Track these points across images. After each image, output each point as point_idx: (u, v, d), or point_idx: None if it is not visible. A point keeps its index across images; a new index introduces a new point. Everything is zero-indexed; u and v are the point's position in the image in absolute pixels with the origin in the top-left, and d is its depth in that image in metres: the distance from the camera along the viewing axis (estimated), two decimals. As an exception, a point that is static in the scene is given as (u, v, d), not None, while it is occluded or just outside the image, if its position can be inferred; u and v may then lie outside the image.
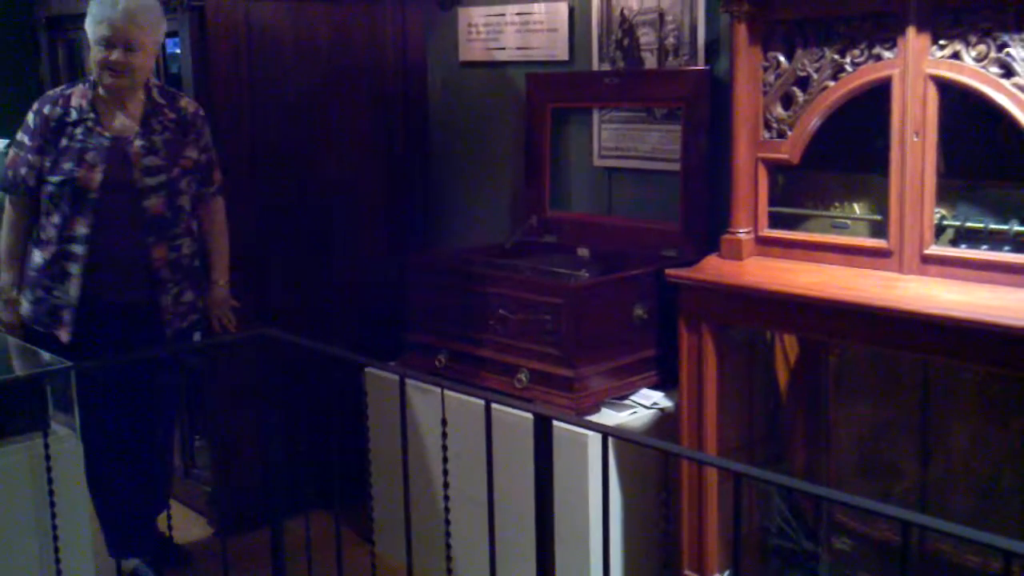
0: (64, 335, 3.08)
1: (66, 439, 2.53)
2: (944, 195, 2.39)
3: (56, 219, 3.08)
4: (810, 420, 2.84)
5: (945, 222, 2.41)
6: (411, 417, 2.37)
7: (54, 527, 2.36)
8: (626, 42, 3.48)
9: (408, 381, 2.39)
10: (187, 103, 3.27)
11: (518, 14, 3.80)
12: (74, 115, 3.10)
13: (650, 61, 3.41)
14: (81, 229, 3.06)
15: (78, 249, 3.06)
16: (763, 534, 2.83)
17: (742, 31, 2.64)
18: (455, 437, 2.31)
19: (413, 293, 3.34)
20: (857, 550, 2.70)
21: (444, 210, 4.17)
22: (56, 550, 2.37)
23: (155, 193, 3.10)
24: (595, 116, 3.62)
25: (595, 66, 3.57)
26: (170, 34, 3.62)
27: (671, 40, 3.36)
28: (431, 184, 4.14)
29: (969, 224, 2.38)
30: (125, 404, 3.23)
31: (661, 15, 3.37)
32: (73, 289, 3.07)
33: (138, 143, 3.10)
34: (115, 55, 3.03)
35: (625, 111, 3.53)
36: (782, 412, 2.88)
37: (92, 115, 3.10)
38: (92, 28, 3.07)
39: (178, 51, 3.64)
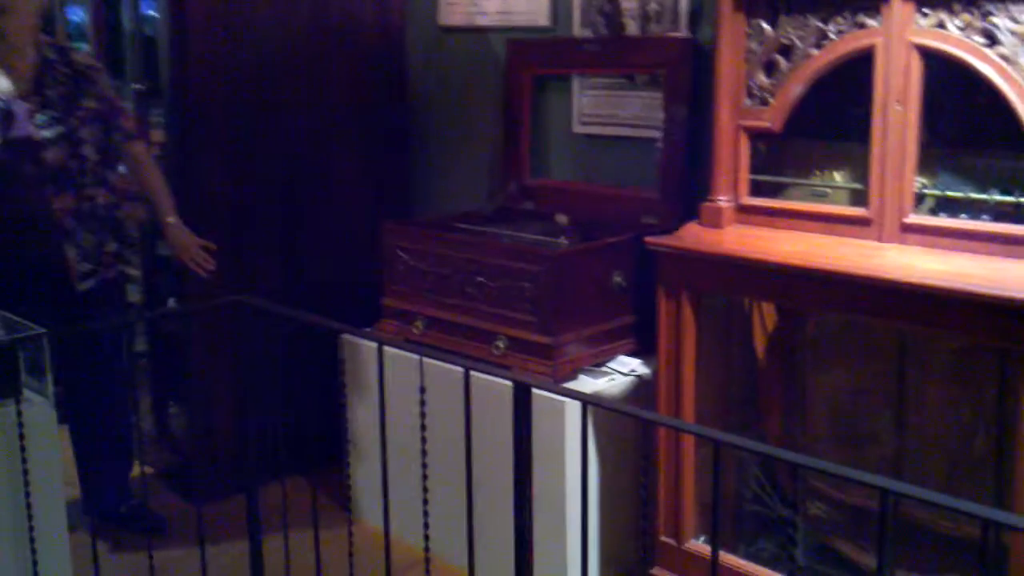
0: None
1: (39, 406, 2.50)
2: (925, 164, 2.39)
3: None
4: (787, 387, 2.85)
5: (926, 191, 2.41)
6: (388, 384, 2.35)
7: (27, 494, 2.33)
8: (608, 8, 3.45)
9: (386, 348, 2.37)
10: (80, 56, 3.34)
11: (498, -22, 3.76)
12: None
13: (632, 28, 3.38)
14: None
15: None
16: (738, 500, 2.85)
17: (731, -5, 2.61)
18: (432, 404, 2.30)
19: (390, 259, 3.32)
20: (832, 516, 2.72)
21: (422, 175, 4.14)
22: (29, 517, 2.34)
23: (54, 145, 3.16)
24: (576, 83, 3.59)
25: (576, 32, 3.54)
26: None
27: (653, 6, 3.33)
28: (409, 149, 4.11)
29: (949, 193, 2.38)
30: (70, 363, 3.33)
31: (643, -19, 3.34)
32: None
33: (33, 99, 3.17)
34: (6, 20, 3.09)
35: (606, 78, 3.50)
36: (759, 379, 2.89)
37: None
38: None
39: (153, 13, 3.58)
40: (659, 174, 3.26)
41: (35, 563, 2.35)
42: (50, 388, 2.54)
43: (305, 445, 2.68)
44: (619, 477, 2.94)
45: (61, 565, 2.51)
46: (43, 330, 2.52)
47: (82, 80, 3.27)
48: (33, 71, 3.20)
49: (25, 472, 2.33)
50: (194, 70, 3.50)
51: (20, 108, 3.15)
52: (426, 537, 2.32)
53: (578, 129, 3.61)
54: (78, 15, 4.09)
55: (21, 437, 2.34)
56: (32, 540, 2.35)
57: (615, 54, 3.40)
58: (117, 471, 3.52)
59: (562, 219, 3.41)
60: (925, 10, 2.32)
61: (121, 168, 3.46)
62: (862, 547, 2.67)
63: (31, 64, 3.20)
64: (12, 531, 2.39)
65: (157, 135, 3.70)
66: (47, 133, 3.17)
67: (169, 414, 3.86)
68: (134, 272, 3.85)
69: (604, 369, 3.01)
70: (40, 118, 3.17)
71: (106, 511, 3.41)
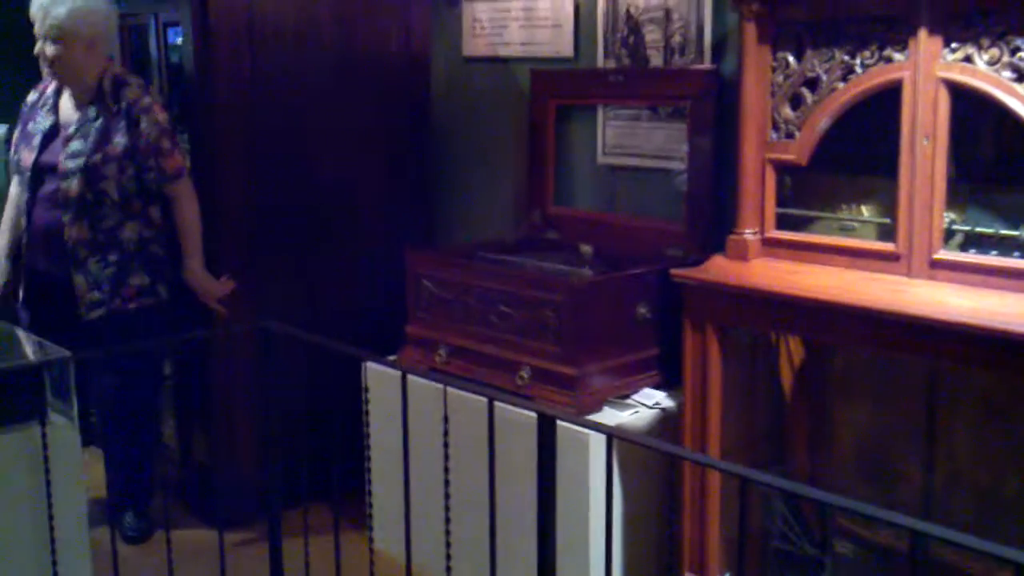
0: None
1: (64, 428, 2.51)
2: (954, 199, 2.38)
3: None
4: (813, 422, 2.83)
5: (954, 227, 2.39)
6: (411, 412, 2.35)
7: (51, 517, 2.34)
8: (631, 39, 3.46)
9: (409, 376, 2.37)
10: (133, 93, 3.36)
11: (523, 9, 3.78)
12: (40, 100, 3.39)
13: (656, 59, 3.40)
14: (24, 206, 3.36)
15: (22, 222, 3.38)
16: (764, 537, 2.82)
17: (751, 30, 2.62)
18: (455, 433, 2.29)
19: (414, 287, 3.32)
20: (859, 555, 2.69)
21: (446, 205, 4.15)
22: (52, 540, 2.35)
23: (73, 176, 3.26)
24: (599, 113, 3.60)
25: (600, 63, 3.55)
26: (172, 24, 3.62)
27: (677, 38, 3.34)
28: (433, 179, 4.12)
29: (979, 229, 2.37)
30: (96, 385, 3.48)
31: (668, 12, 3.35)
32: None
33: (72, 129, 3.30)
34: (43, 47, 3.25)
35: (630, 109, 3.51)
36: (785, 413, 2.87)
37: (51, 100, 3.36)
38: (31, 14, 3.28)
39: (179, 41, 3.62)
40: (684, 206, 3.26)
41: (58, 588, 2.35)
42: (75, 410, 2.55)
43: (327, 471, 2.67)
44: (643, 511, 2.92)
45: (84, 589, 2.52)
46: (68, 353, 2.54)
47: (124, 116, 3.31)
48: (85, 100, 3.32)
49: (49, 495, 2.34)
50: (219, 98, 3.52)
51: (65, 134, 3.30)
52: (448, 568, 2.30)
53: (601, 160, 3.62)
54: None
55: (46, 459, 2.35)
56: (54, 563, 2.35)
57: (639, 85, 3.41)
58: (135, 494, 3.58)
59: (586, 249, 3.41)
60: (953, 44, 2.31)
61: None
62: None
63: (85, 93, 3.32)
64: (36, 551, 2.40)
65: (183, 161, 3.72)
66: (70, 164, 3.26)
67: (193, 439, 3.86)
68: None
69: (628, 401, 3.00)
70: (71, 147, 3.28)
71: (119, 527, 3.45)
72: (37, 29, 3.23)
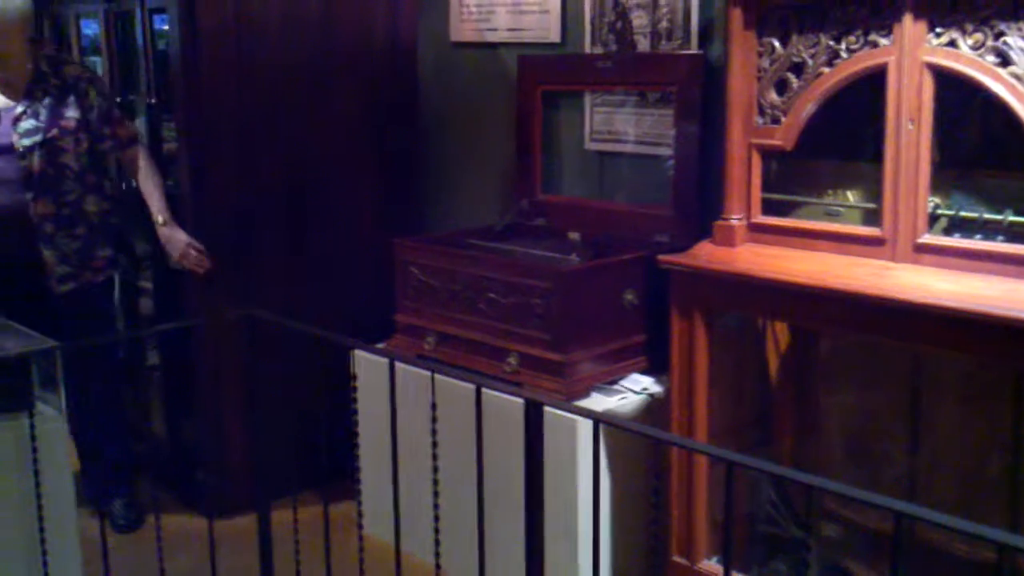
0: None
1: (51, 418, 2.51)
2: (938, 184, 2.39)
3: None
4: (799, 406, 2.85)
5: (939, 211, 2.40)
6: (399, 399, 2.35)
7: (39, 507, 2.34)
8: (619, 25, 3.46)
9: (397, 364, 2.37)
10: (73, 68, 3.51)
11: (510, -6, 3.77)
12: None
13: (643, 44, 3.39)
14: None
15: None
16: (752, 520, 2.84)
17: (737, 15, 2.63)
18: (444, 420, 2.30)
19: (402, 275, 3.32)
20: (846, 537, 2.71)
21: (433, 192, 4.14)
22: (41, 530, 2.35)
23: (31, 153, 3.34)
24: (587, 99, 3.60)
25: (587, 49, 3.55)
26: (158, 10, 3.60)
27: (664, 24, 3.33)
28: (421, 165, 4.12)
29: (963, 213, 2.38)
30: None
31: (655, -2, 3.35)
32: None
33: (19, 110, 3.36)
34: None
35: (617, 95, 3.51)
36: (771, 398, 2.88)
37: None
38: None
39: (166, 27, 3.60)
40: (671, 192, 3.26)
41: (46, 574, 2.36)
42: (62, 401, 2.56)
43: (316, 459, 2.68)
44: (631, 495, 2.94)
45: (73, 574, 2.52)
46: (56, 343, 2.54)
47: (71, 91, 3.43)
48: (24, 82, 3.39)
49: (37, 485, 2.34)
50: (205, 84, 3.51)
51: (11, 116, 3.35)
52: (437, 553, 2.31)
53: (590, 146, 3.61)
54: (92, 28, 4.11)
55: (34, 450, 2.35)
56: (44, 552, 2.36)
57: (626, 71, 3.41)
58: (120, 481, 3.64)
59: (574, 236, 3.41)
60: (938, 29, 2.32)
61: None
62: (876, 569, 2.66)
63: (23, 76, 3.39)
64: (25, 541, 2.40)
65: (169, 148, 3.72)
66: (26, 141, 3.35)
67: (181, 428, 3.86)
68: (146, 284, 3.89)
69: (616, 387, 3.01)
70: (22, 126, 3.35)
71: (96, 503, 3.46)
72: None
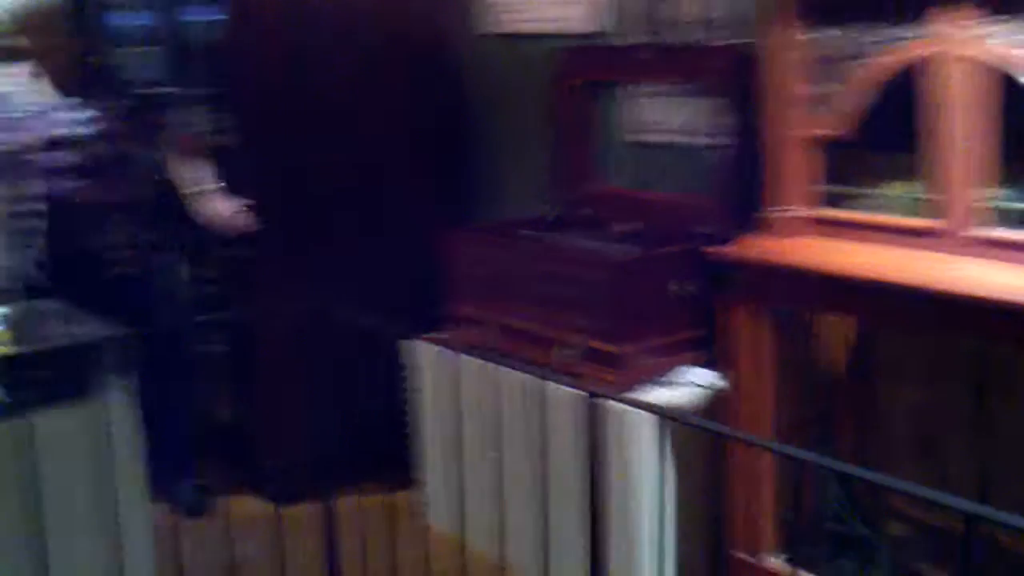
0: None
1: (123, 406, 2.55)
2: (997, 176, 2.36)
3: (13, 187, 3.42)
4: (862, 402, 2.80)
5: (998, 203, 2.38)
6: (457, 391, 2.39)
7: (113, 492, 2.39)
8: (660, 15, 3.45)
9: (452, 355, 2.39)
10: (112, 59, 3.75)
11: (552, -15, 3.77)
12: (13, 88, 3.42)
13: (685, 34, 3.37)
14: (36, 191, 3.40)
15: (40, 207, 3.42)
16: (818, 517, 2.81)
17: (785, 4, 2.58)
18: (502, 411, 2.32)
19: (456, 266, 3.33)
20: (913, 536, 2.67)
21: (476, 183, 4.15)
22: (115, 515, 2.40)
23: (96, 141, 3.40)
24: (628, 89, 3.58)
25: (630, 39, 3.52)
26: (208, 1, 3.64)
27: (707, 14, 3.32)
28: (464, 157, 4.12)
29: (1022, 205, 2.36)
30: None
31: (698, -13, 3.33)
32: (40, 242, 3.44)
33: (71, 101, 3.40)
34: (37, 41, 3.36)
35: (661, 85, 3.50)
36: (834, 394, 2.85)
37: (32, 87, 3.40)
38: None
39: (215, 18, 3.64)
40: (716, 183, 3.25)
41: (122, 561, 2.41)
42: (133, 388, 2.60)
43: (379, 448, 2.72)
44: (691, 490, 2.89)
45: (146, 561, 2.57)
46: (128, 330, 2.58)
47: (113, 82, 3.58)
48: (70, 75, 3.46)
49: (111, 471, 2.40)
50: (252, 78, 3.55)
51: (58, 111, 3.42)
52: (502, 547, 2.34)
53: (630, 137, 3.60)
54: (143, 20, 4.14)
55: (107, 435, 2.40)
56: (118, 538, 2.41)
57: (669, 61, 3.36)
58: (186, 464, 3.72)
59: (620, 227, 3.41)
60: (1000, 17, 2.28)
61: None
62: (945, 569, 2.63)
63: (69, 69, 3.46)
64: (98, 527, 2.45)
65: (219, 140, 3.76)
66: (87, 131, 3.43)
67: (248, 416, 3.91)
68: (211, 272, 3.95)
69: (671, 380, 3.01)
70: (81, 117, 3.42)
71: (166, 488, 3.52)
72: (20, 26, 3.35)
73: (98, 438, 2.42)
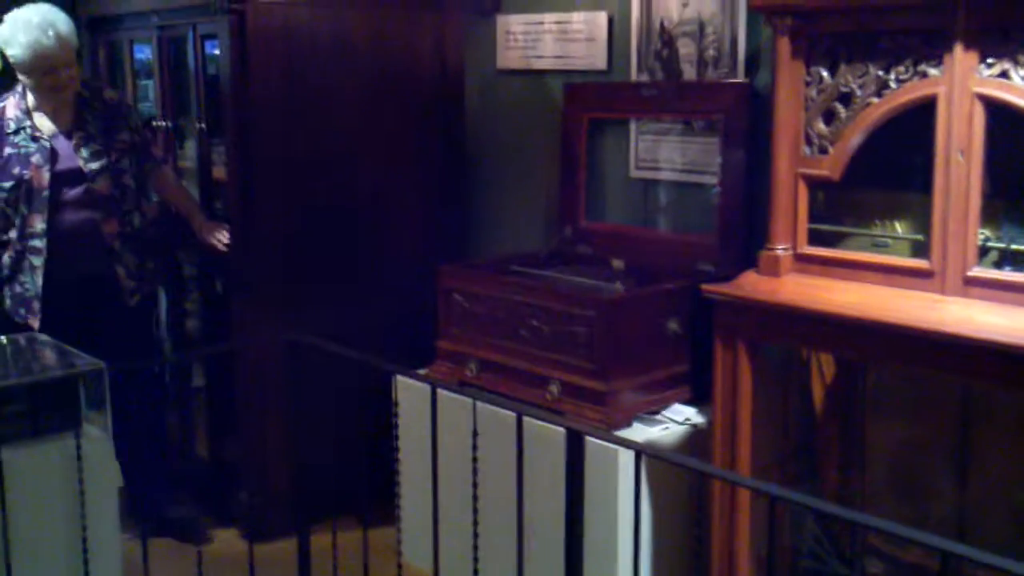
0: (35, 323, 3.45)
1: (98, 439, 2.53)
2: (988, 216, 2.35)
3: (16, 220, 3.45)
4: (845, 439, 2.80)
5: (989, 243, 2.36)
6: (440, 426, 2.35)
7: (84, 527, 2.36)
8: (665, 53, 3.46)
9: (439, 390, 2.37)
10: (110, 93, 3.70)
11: (556, 22, 3.79)
12: (12, 125, 3.46)
13: (689, 72, 3.39)
14: (39, 225, 3.43)
15: (38, 243, 3.44)
16: (795, 554, 2.79)
17: (785, 45, 2.61)
18: (485, 447, 2.30)
19: (445, 301, 3.33)
20: (890, 574, 2.66)
21: (478, 218, 4.15)
22: (85, 551, 2.37)
23: (100, 175, 3.49)
24: (632, 127, 3.59)
25: (633, 76, 3.54)
26: (209, 36, 3.66)
27: (711, 52, 3.33)
28: (467, 192, 4.13)
29: (1014, 246, 2.34)
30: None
31: (701, 26, 3.34)
32: (38, 279, 3.45)
33: (76, 135, 3.48)
34: (62, 75, 3.39)
35: (663, 123, 3.50)
36: (816, 431, 2.84)
37: (29, 122, 3.46)
38: (25, 55, 3.35)
39: (217, 52, 3.66)
40: (717, 220, 3.24)
41: (89, 597, 2.38)
42: (109, 420, 2.58)
43: (357, 484, 2.68)
44: (672, 527, 2.91)
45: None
46: (102, 363, 2.56)
47: (115, 115, 3.58)
48: (72, 109, 3.50)
49: (83, 506, 2.36)
50: (255, 110, 3.55)
51: (64, 144, 3.46)
52: (476, 583, 2.30)
53: (634, 174, 3.61)
54: (145, 53, 4.18)
55: (80, 471, 2.37)
56: (87, 573, 2.37)
57: (672, 99, 3.40)
58: (155, 474, 3.73)
59: (618, 264, 3.40)
60: (989, 60, 2.29)
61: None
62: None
63: (70, 103, 3.50)
64: (69, 561, 2.42)
65: (219, 172, 3.77)
66: (94, 165, 3.47)
67: (224, 450, 3.89)
68: (192, 306, 3.96)
69: (659, 417, 2.98)
70: (85, 151, 3.47)
71: (149, 513, 3.53)
72: (49, 62, 3.34)
73: (72, 473, 2.38)
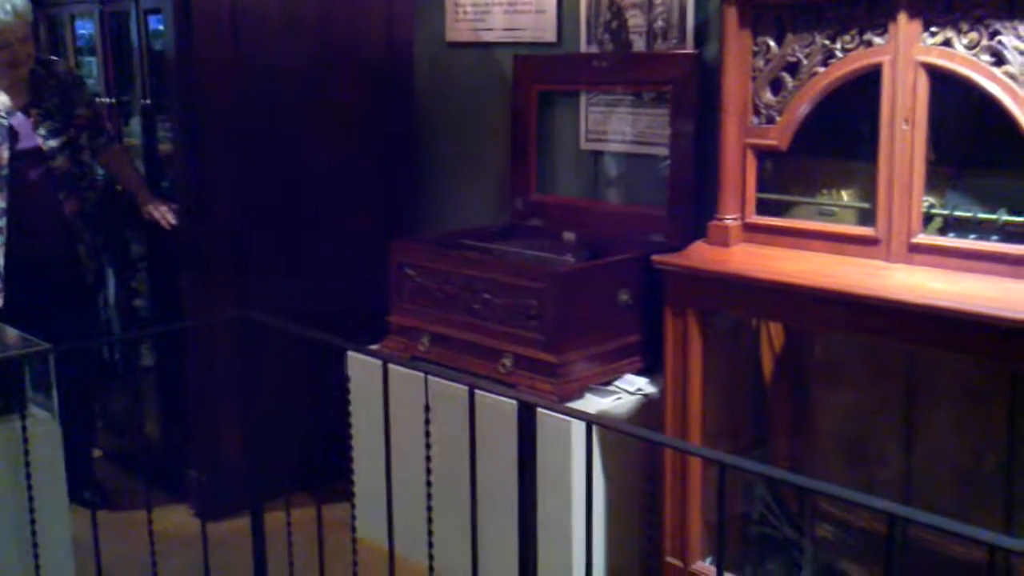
0: None
1: (44, 421, 2.51)
2: (933, 183, 2.38)
3: None
4: (794, 407, 2.84)
5: (933, 211, 2.40)
6: (393, 401, 2.35)
7: (31, 510, 2.33)
8: (615, 24, 3.45)
9: (391, 365, 2.36)
10: (63, 66, 3.65)
11: (506, -6, 3.77)
12: None
13: (639, 44, 3.39)
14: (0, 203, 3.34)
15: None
16: (745, 521, 2.83)
17: (732, 15, 2.62)
18: (437, 421, 2.29)
19: (396, 276, 3.31)
20: (839, 538, 2.70)
21: (429, 192, 4.13)
22: (34, 533, 2.34)
23: (60, 153, 3.45)
24: (582, 99, 3.59)
25: (583, 48, 3.54)
26: (153, 11, 3.60)
27: (660, 23, 3.33)
28: (416, 165, 4.11)
29: (958, 213, 2.37)
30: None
31: (650, -3, 3.34)
32: (0, 259, 3.34)
33: (34, 111, 3.42)
34: (19, 51, 3.32)
35: (613, 94, 3.50)
36: (766, 398, 2.88)
37: None
38: None
39: (161, 27, 3.59)
40: (667, 192, 3.26)
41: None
42: (55, 403, 2.55)
43: (310, 460, 2.67)
44: (625, 497, 2.93)
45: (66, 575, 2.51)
46: (48, 346, 2.53)
47: (71, 89, 3.53)
48: (27, 85, 3.43)
49: (30, 488, 2.33)
50: (201, 84, 3.50)
51: (22, 122, 3.39)
52: (430, 556, 2.31)
53: (585, 146, 3.61)
54: (87, 29, 4.10)
55: (26, 453, 2.34)
56: (36, 555, 2.35)
57: (622, 70, 3.40)
58: (81, 454, 3.71)
59: (569, 236, 3.40)
60: (932, 29, 2.31)
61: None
62: (870, 569, 2.65)
63: (24, 79, 3.42)
64: (18, 543, 2.40)
65: (164, 149, 3.72)
66: (52, 142, 3.42)
67: (175, 429, 3.85)
68: (140, 285, 3.91)
69: (611, 388, 3.00)
70: (43, 129, 3.41)
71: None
72: (4, 37, 3.27)
73: (18, 454, 2.35)
